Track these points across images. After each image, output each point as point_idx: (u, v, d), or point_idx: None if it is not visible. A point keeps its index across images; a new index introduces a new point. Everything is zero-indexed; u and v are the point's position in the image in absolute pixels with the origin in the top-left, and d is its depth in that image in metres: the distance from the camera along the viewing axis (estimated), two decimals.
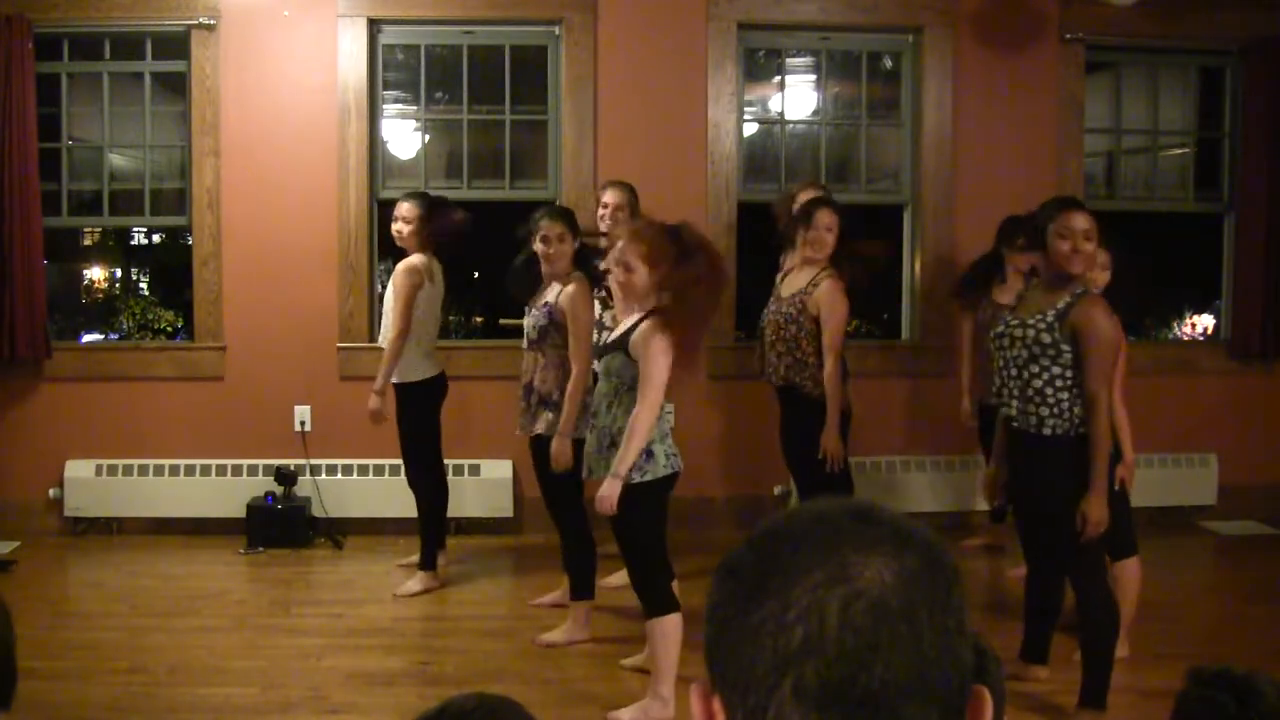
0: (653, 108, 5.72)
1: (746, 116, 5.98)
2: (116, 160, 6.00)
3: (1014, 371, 3.43)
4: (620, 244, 3.51)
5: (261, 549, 5.31)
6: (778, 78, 6.12)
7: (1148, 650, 3.99)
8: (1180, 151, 6.39)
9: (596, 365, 3.84)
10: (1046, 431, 3.35)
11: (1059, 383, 3.35)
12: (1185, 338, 8.72)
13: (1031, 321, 3.40)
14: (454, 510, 5.19)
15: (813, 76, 6.14)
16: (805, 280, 4.44)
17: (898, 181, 6.06)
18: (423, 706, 1.18)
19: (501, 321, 8.33)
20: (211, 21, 5.54)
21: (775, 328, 4.48)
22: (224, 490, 5.56)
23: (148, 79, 5.77)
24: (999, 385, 3.54)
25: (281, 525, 5.39)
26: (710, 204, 5.72)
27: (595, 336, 4.28)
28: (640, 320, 3.45)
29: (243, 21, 5.56)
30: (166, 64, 5.74)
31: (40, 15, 5.48)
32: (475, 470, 5.56)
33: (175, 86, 5.82)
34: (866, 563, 0.72)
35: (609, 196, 4.92)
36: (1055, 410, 3.34)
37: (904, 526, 0.76)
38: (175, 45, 5.68)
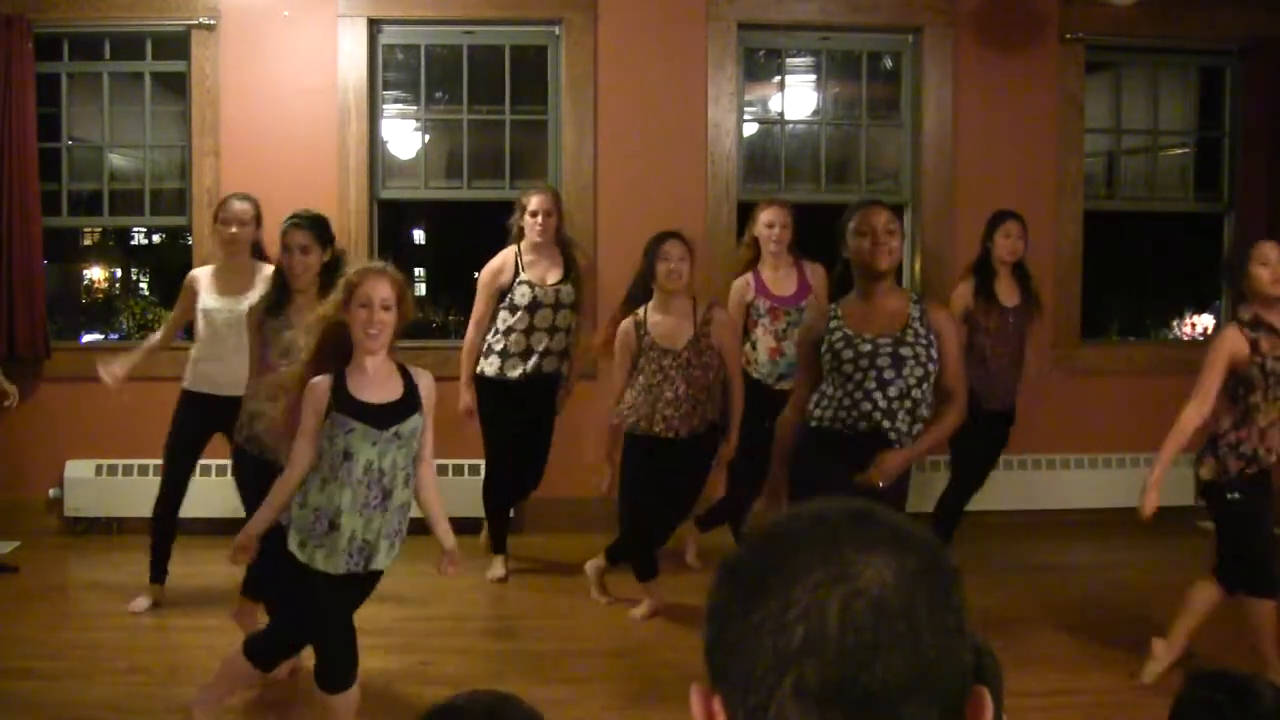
0: (653, 107, 5.72)
1: (746, 116, 5.98)
2: (116, 160, 6.01)
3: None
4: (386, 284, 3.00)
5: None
6: (778, 78, 6.12)
7: (1147, 650, 3.99)
8: (1180, 151, 6.39)
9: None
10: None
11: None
12: (1185, 338, 8.71)
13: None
14: (453, 510, 5.15)
15: (813, 76, 6.15)
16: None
17: (898, 181, 6.06)
18: (423, 707, 1.18)
19: None
20: (211, 21, 5.55)
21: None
22: (224, 490, 5.55)
23: (148, 79, 5.77)
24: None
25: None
26: (710, 204, 5.72)
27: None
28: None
29: (243, 21, 5.56)
30: (166, 64, 5.74)
31: (40, 15, 5.48)
32: (475, 470, 5.55)
33: (175, 86, 5.83)
34: (867, 562, 0.73)
35: (539, 202, 4.80)
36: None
37: (902, 527, 0.77)
38: (175, 45, 5.68)
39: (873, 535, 0.75)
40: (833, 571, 0.72)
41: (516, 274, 4.79)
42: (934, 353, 3.22)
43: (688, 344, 4.26)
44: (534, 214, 4.78)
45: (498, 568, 4.92)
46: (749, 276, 4.86)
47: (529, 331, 4.77)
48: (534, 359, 4.79)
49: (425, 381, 3.11)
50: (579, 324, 4.95)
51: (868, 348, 3.19)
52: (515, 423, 4.89)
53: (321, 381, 3.00)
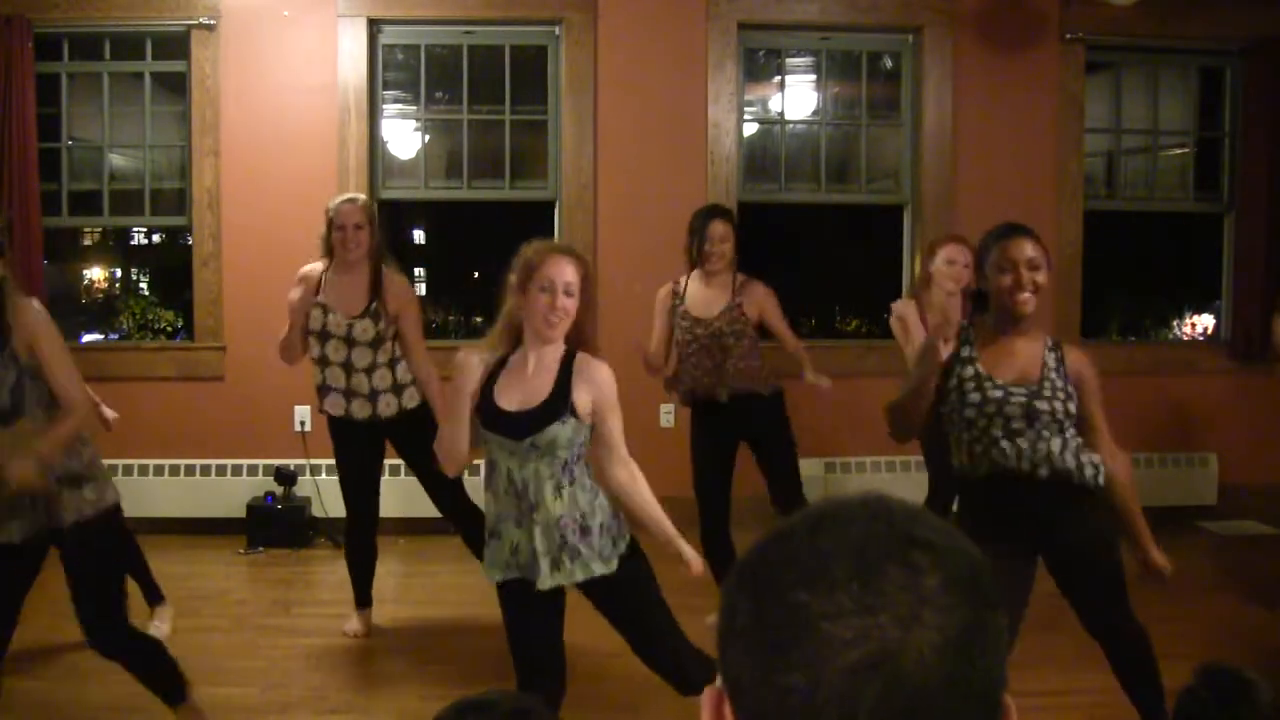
0: (653, 108, 5.72)
1: (746, 116, 5.98)
2: (116, 160, 6.01)
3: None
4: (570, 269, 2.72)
5: (261, 549, 5.32)
6: (778, 78, 6.12)
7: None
8: (1180, 151, 6.40)
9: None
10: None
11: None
12: (1185, 338, 8.71)
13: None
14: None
15: (813, 76, 6.15)
16: (726, 291, 4.33)
17: (898, 181, 6.07)
18: (423, 707, 1.18)
19: None
20: (211, 21, 5.55)
21: (715, 344, 4.29)
22: (224, 490, 5.56)
23: (148, 79, 5.78)
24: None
25: (281, 525, 5.40)
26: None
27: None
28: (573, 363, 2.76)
29: (243, 21, 5.56)
30: (166, 64, 5.74)
31: (40, 15, 5.48)
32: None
33: (175, 86, 5.83)
34: (908, 640, 0.67)
35: (346, 214, 4.08)
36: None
37: (950, 561, 0.71)
38: (175, 45, 5.68)
39: (920, 587, 0.69)
40: (873, 649, 0.67)
41: (317, 292, 4.13)
42: (1072, 407, 2.90)
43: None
44: (340, 228, 4.07)
45: (354, 621, 4.31)
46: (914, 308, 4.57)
47: (324, 363, 4.11)
48: (360, 400, 4.13)
49: (592, 378, 2.73)
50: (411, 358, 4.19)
51: (997, 394, 2.86)
52: (363, 465, 4.29)
53: (474, 362, 2.73)
